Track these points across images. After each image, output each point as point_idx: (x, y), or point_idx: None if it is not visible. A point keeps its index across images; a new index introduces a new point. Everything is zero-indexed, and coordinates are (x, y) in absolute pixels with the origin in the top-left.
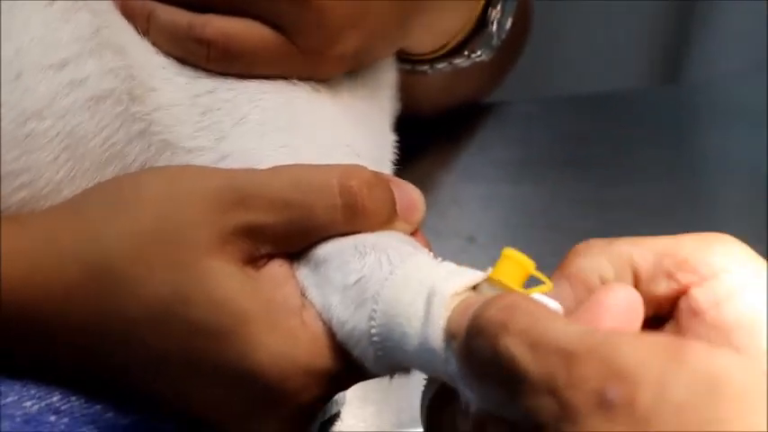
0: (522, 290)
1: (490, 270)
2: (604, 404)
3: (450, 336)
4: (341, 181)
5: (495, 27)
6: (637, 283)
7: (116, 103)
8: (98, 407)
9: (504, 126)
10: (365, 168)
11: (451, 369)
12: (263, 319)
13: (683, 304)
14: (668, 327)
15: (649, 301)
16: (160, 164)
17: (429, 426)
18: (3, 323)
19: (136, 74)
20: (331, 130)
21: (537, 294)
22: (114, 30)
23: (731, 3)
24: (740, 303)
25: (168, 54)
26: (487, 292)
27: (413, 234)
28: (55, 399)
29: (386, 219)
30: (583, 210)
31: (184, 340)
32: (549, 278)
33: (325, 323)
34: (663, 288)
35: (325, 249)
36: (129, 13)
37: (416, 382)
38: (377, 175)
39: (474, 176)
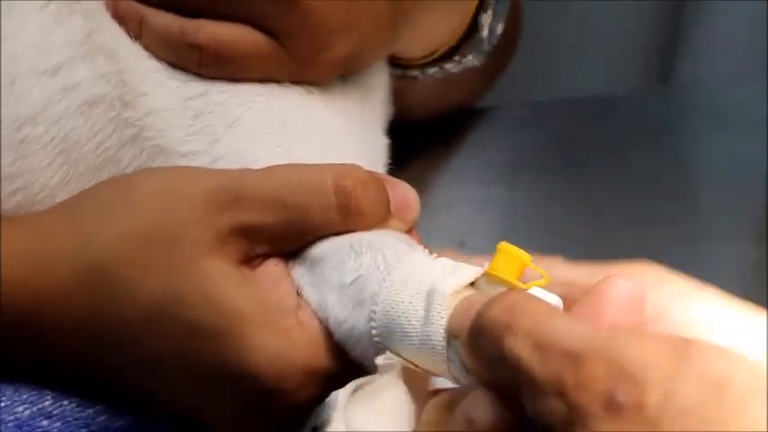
0: (520, 284)
1: (487, 265)
2: (613, 406)
3: (451, 335)
4: (335, 180)
5: (486, 32)
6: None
7: (108, 108)
8: (90, 410)
9: (495, 130)
10: (360, 168)
11: (454, 367)
12: (259, 318)
13: None
14: None
15: None
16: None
17: None
18: (2, 327)
19: (127, 79)
20: (324, 131)
21: (536, 289)
22: (106, 34)
23: (723, 5)
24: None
25: (160, 58)
26: (486, 288)
27: (408, 232)
28: (47, 403)
29: (381, 218)
30: (575, 213)
31: (180, 341)
32: None
33: (321, 322)
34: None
35: (321, 248)
36: (120, 17)
37: None
38: (371, 174)
39: (465, 180)
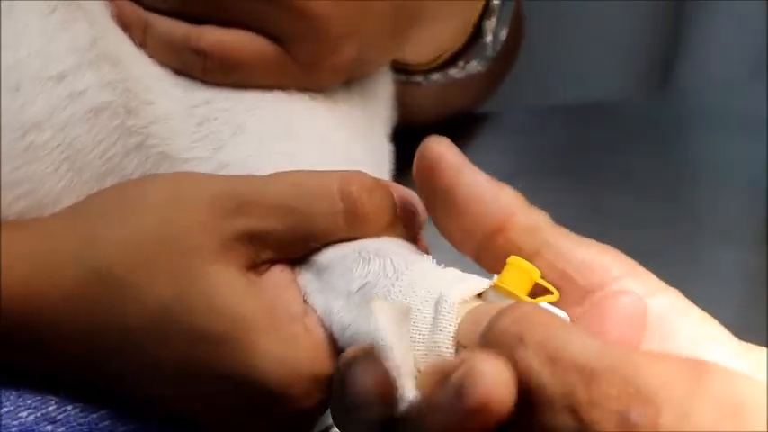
0: (528, 298)
1: (496, 278)
2: (627, 425)
3: (459, 344)
4: (341, 186)
5: (490, 38)
6: None
7: (113, 116)
8: (94, 415)
9: (497, 135)
10: (365, 174)
11: None
12: (265, 325)
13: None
14: None
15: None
16: None
17: None
18: (4, 333)
19: (131, 87)
20: (328, 137)
21: (544, 304)
22: (110, 41)
23: (724, 10)
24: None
25: (164, 65)
26: (494, 300)
27: (414, 238)
28: (51, 408)
29: (387, 224)
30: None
31: (185, 347)
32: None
33: (326, 329)
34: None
35: (328, 255)
36: (125, 24)
37: None
38: (377, 180)
39: None
